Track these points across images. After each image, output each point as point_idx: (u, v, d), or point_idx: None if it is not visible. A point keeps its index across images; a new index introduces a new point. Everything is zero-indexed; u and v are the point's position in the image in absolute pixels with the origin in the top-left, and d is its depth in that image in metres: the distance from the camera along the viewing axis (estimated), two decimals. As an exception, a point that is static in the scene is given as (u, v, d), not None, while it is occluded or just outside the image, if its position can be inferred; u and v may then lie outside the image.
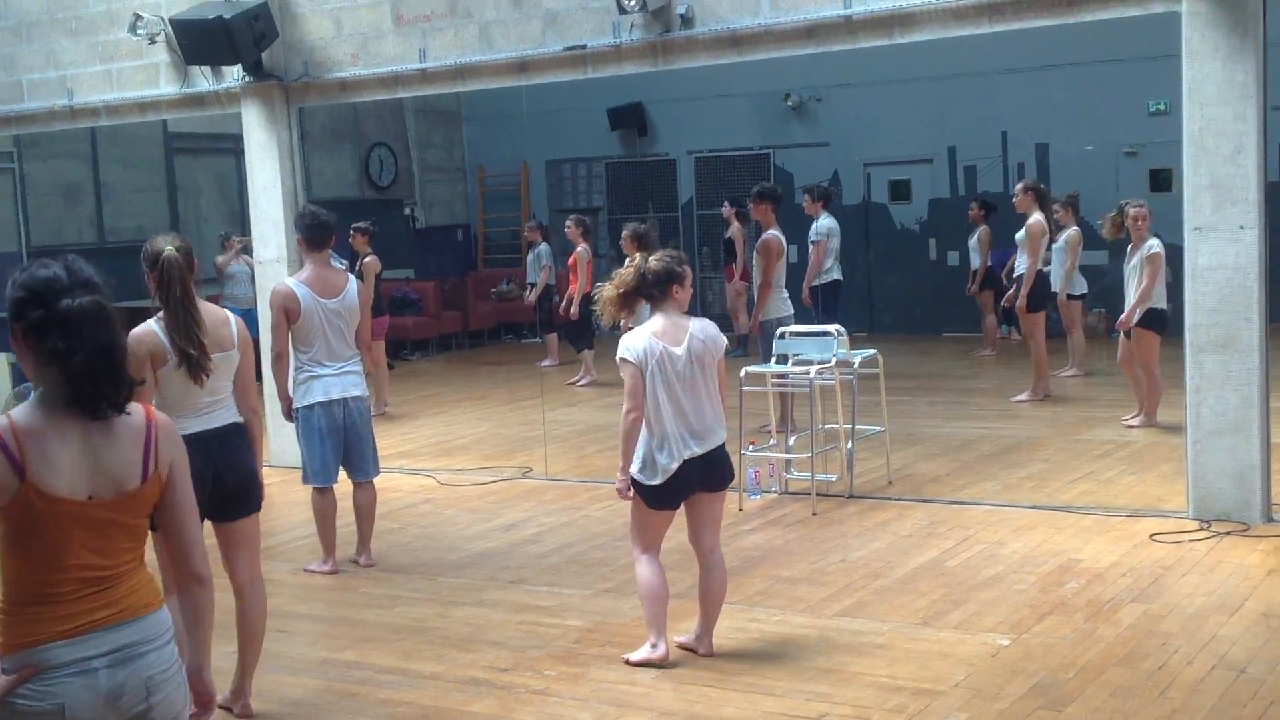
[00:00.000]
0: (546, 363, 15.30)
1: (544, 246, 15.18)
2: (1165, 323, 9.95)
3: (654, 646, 5.57)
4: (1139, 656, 5.42)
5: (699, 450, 5.43)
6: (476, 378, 15.47)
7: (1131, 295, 9.77)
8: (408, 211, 19.59)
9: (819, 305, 11.65)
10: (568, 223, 13.70)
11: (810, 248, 12.02)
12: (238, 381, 5.21)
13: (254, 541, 5.32)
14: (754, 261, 10.31)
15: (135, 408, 3.00)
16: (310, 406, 7.04)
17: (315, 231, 7.05)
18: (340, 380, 7.05)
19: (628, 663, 5.60)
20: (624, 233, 10.29)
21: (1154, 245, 9.77)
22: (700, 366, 5.46)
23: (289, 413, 7.18)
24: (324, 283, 7.03)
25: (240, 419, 5.23)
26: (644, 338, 5.42)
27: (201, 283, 15.93)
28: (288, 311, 6.94)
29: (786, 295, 10.49)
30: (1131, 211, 9.88)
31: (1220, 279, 7.11)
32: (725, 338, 5.67)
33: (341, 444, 7.14)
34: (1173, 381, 8.87)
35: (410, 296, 17.66)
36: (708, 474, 5.48)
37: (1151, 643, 5.57)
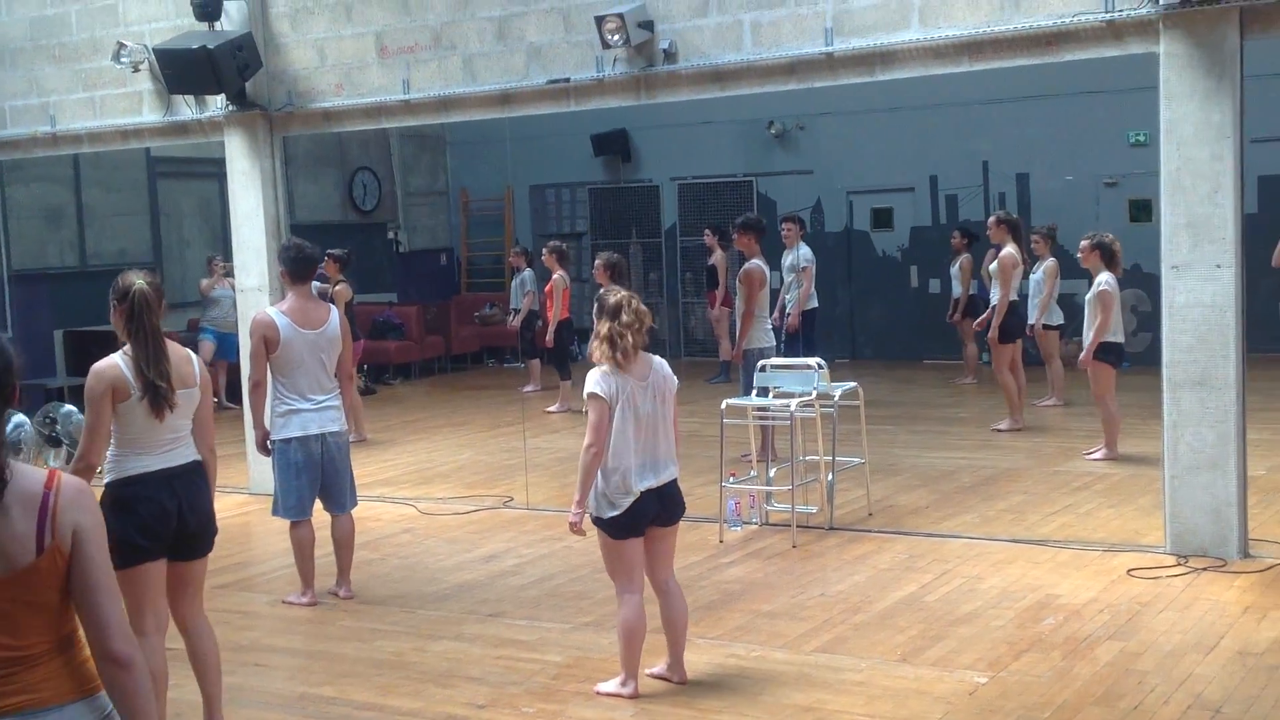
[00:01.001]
0: (529, 388, 15.32)
1: (528, 272, 15.22)
2: (1121, 355, 10.10)
3: (624, 684, 5.62)
4: (1115, 695, 5.44)
5: (654, 483, 5.52)
6: (458, 403, 15.46)
7: (1086, 330, 9.95)
8: (391, 235, 19.61)
9: (798, 333, 11.72)
10: (545, 251, 13.77)
11: (795, 275, 12.12)
12: (197, 419, 5.18)
13: (200, 582, 5.30)
14: (736, 290, 10.37)
15: (34, 472, 2.76)
16: (288, 440, 7.04)
17: (299, 265, 7.07)
18: (319, 415, 7.05)
19: (597, 692, 5.66)
20: (597, 262, 10.37)
21: (1103, 282, 9.89)
22: (661, 402, 5.54)
23: (264, 444, 7.18)
24: (305, 314, 7.04)
25: (199, 458, 5.21)
26: (613, 373, 5.46)
27: (186, 306, 16.06)
28: (267, 341, 6.96)
29: (769, 326, 10.56)
30: (1081, 244, 10.07)
31: (1197, 316, 7.16)
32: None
33: (318, 479, 7.14)
34: (1153, 413, 8.91)
35: (393, 321, 17.65)
36: (662, 507, 5.58)
37: (1128, 681, 5.60)
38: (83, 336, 15.28)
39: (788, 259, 12.91)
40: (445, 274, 20.14)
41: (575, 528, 5.56)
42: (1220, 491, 7.24)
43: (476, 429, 13.22)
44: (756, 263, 10.30)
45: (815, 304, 12.19)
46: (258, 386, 7.08)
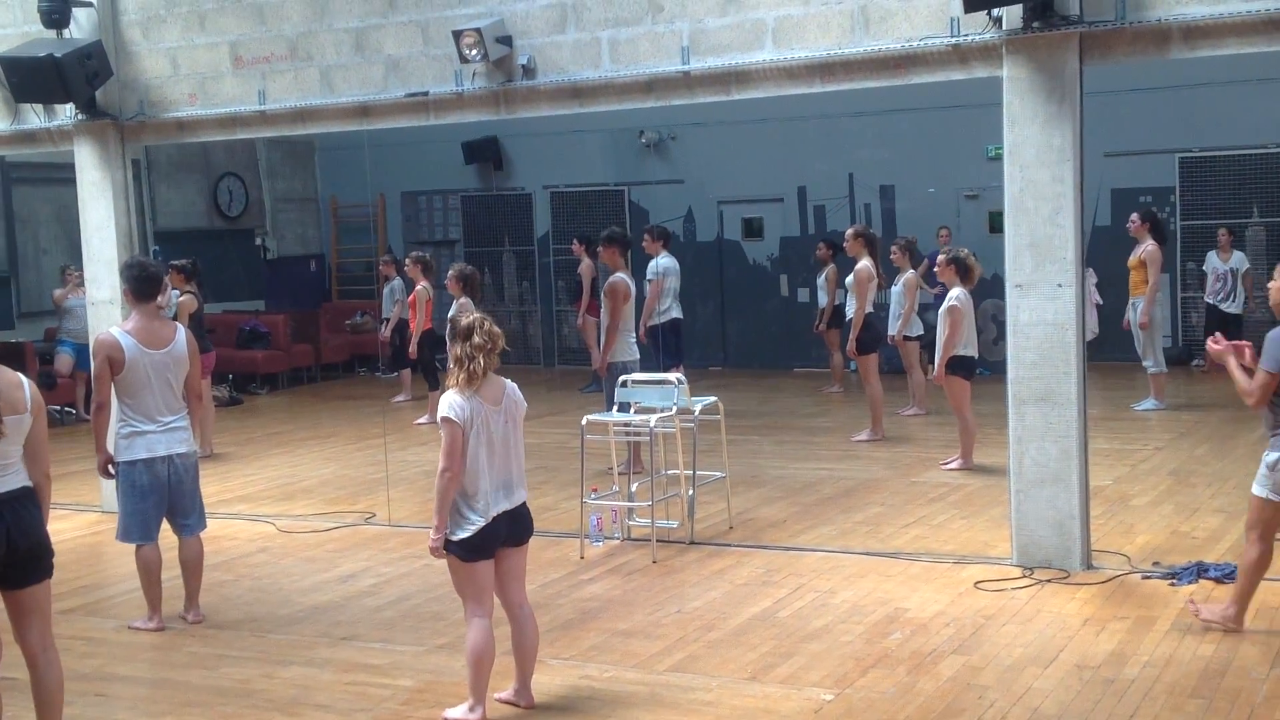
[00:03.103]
0: (400, 398, 15.20)
1: (397, 280, 15.08)
2: (972, 368, 10.40)
3: (472, 709, 5.59)
4: (955, 711, 5.56)
5: (507, 505, 5.52)
6: (326, 414, 15.24)
7: (937, 345, 10.24)
8: (259, 242, 19.28)
9: (659, 343, 11.77)
10: (407, 261, 13.66)
11: (647, 286, 12.17)
12: (29, 446, 5.03)
13: (45, 609, 5.14)
14: (602, 302, 10.40)
15: None
16: (133, 463, 6.87)
17: (142, 284, 6.91)
18: (166, 436, 6.91)
19: (444, 718, 5.62)
20: (450, 273, 10.34)
21: (953, 297, 10.20)
22: (513, 425, 5.56)
23: (105, 467, 7.00)
24: (151, 333, 6.88)
25: (30, 483, 5.06)
26: (466, 397, 5.43)
27: (43, 315, 15.58)
28: (111, 361, 6.80)
29: (633, 339, 10.59)
30: (938, 259, 10.36)
31: (1040, 334, 7.36)
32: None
33: (164, 501, 6.99)
34: (1000, 425, 9.14)
35: (259, 329, 17.34)
36: (513, 528, 5.58)
37: (968, 696, 5.72)
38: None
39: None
40: (315, 281, 19.86)
41: (436, 552, 5.53)
42: (1063, 505, 7.44)
43: (342, 441, 13.05)
44: (621, 276, 10.34)
45: (677, 314, 12.27)
46: (101, 409, 6.91)
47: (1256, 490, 6.17)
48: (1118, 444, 11.00)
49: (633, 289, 10.44)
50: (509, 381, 5.66)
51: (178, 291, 12.37)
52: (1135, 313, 12.64)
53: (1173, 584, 7.17)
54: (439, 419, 5.47)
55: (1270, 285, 6.30)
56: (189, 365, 7.02)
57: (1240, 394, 6.17)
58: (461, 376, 5.42)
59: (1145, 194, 15.56)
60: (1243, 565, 6.32)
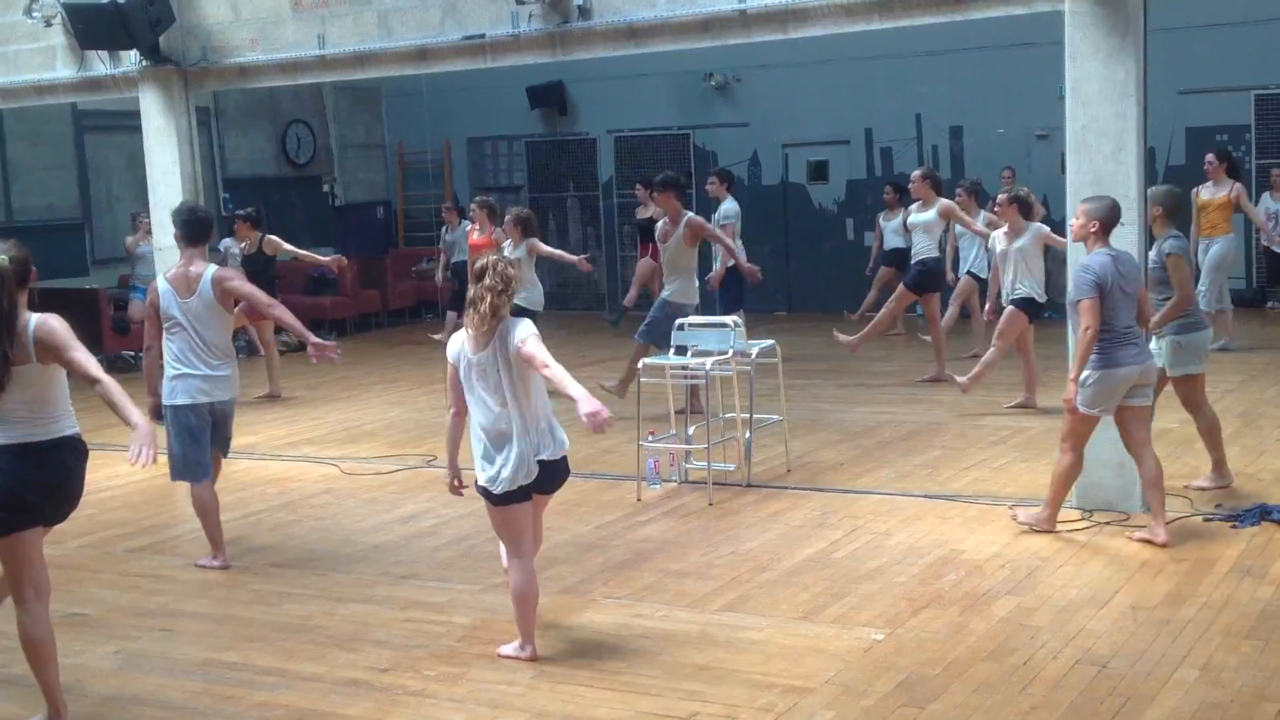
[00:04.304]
0: (439, 336, 15.09)
1: (463, 227, 15.13)
2: (1037, 308, 10.35)
3: (522, 647, 5.68)
4: (1006, 651, 5.54)
5: (546, 456, 5.50)
6: (391, 359, 15.41)
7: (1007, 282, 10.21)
8: (326, 189, 19.44)
9: (723, 289, 11.78)
10: (472, 205, 13.69)
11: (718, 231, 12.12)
12: (75, 369, 4.86)
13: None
14: (676, 243, 10.32)
15: None
16: (180, 406, 7.05)
17: (191, 227, 7.06)
18: (209, 384, 7.08)
19: (499, 655, 5.71)
20: (506, 218, 10.47)
21: (1035, 229, 10.17)
22: (505, 368, 5.41)
23: (156, 409, 7.15)
24: (185, 280, 7.01)
25: (71, 433, 5.01)
26: (469, 337, 5.44)
27: (116, 262, 15.85)
28: (154, 306, 7.03)
29: (696, 284, 10.56)
30: (999, 198, 10.29)
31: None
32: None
33: (209, 441, 7.19)
34: (1059, 365, 9.02)
35: (328, 275, 17.51)
36: (543, 477, 5.54)
37: (1020, 637, 5.70)
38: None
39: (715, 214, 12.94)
40: (382, 227, 20.00)
41: (452, 489, 5.71)
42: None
43: (407, 386, 13.19)
44: (693, 214, 10.45)
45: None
46: (149, 349, 7.14)
47: (1077, 405, 6.84)
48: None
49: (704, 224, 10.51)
50: (517, 322, 5.44)
51: (231, 241, 12.61)
52: (1207, 255, 12.41)
53: (1234, 526, 7.08)
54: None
55: None
56: (224, 312, 7.09)
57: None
58: (468, 315, 5.42)
59: (1220, 132, 15.18)
60: (1056, 473, 7.08)
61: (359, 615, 6.42)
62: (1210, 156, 12.66)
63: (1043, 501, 7.23)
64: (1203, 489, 7.77)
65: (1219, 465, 7.86)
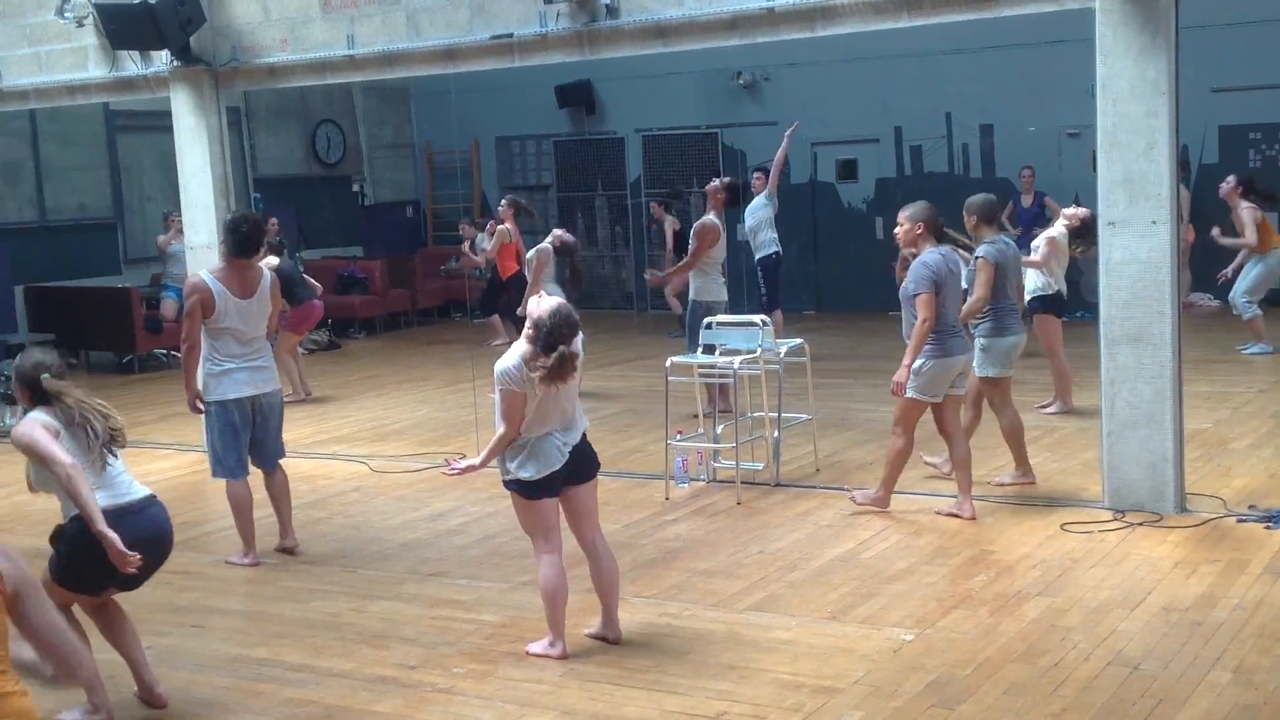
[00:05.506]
0: (497, 342, 14.94)
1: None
2: (1062, 306, 10.23)
3: (552, 644, 5.68)
4: (1037, 652, 5.50)
5: (571, 442, 5.54)
6: (420, 358, 15.44)
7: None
8: (356, 188, 19.51)
9: (762, 279, 12.06)
10: (502, 203, 13.67)
11: (748, 223, 12.60)
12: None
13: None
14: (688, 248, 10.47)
15: None
16: (223, 402, 7.06)
17: (242, 246, 7.10)
18: (252, 375, 7.12)
19: (528, 653, 5.72)
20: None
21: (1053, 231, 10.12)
22: None
23: (194, 404, 7.20)
24: (239, 279, 7.10)
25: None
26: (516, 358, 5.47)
27: (148, 261, 15.95)
28: (203, 305, 7.02)
29: (722, 281, 10.57)
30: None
31: (1133, 273, 7.19)
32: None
33: (248, 439, 7.19)
34: (1097, 368, 8.97)
35: (357, 275, 17.59)
36: (575, 465, 5.57)
37: (1051, 638, 5.66)
38: (44, 292, 15.21)
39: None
40: (411, 227, 20.05)
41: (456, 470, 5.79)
42: (1157, 447, 7.29)
43: (435, 384, 13.22)
44: (710, 217, 10.37)
45: (774, 250, 12.62)
46: (192, 349, 7.16)
47: (908, 391, 7.32)
48: (1219, 386, 10.73)
49: (723, 233, 10.45)
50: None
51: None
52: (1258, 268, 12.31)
53: (1268, 527, 7.01)
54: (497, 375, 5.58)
55: None
56: (270, 307, 7.23)
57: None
58: (553, 370, 5.36)
59: (1254, 130, 15.05)
60: (889, 456, 7.59)
61: (387, 612, 6.44)
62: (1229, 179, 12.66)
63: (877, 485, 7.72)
64: (1003, 484, 8.09)
65: (1021, 463, 8.14)
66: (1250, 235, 12.22)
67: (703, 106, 17.87)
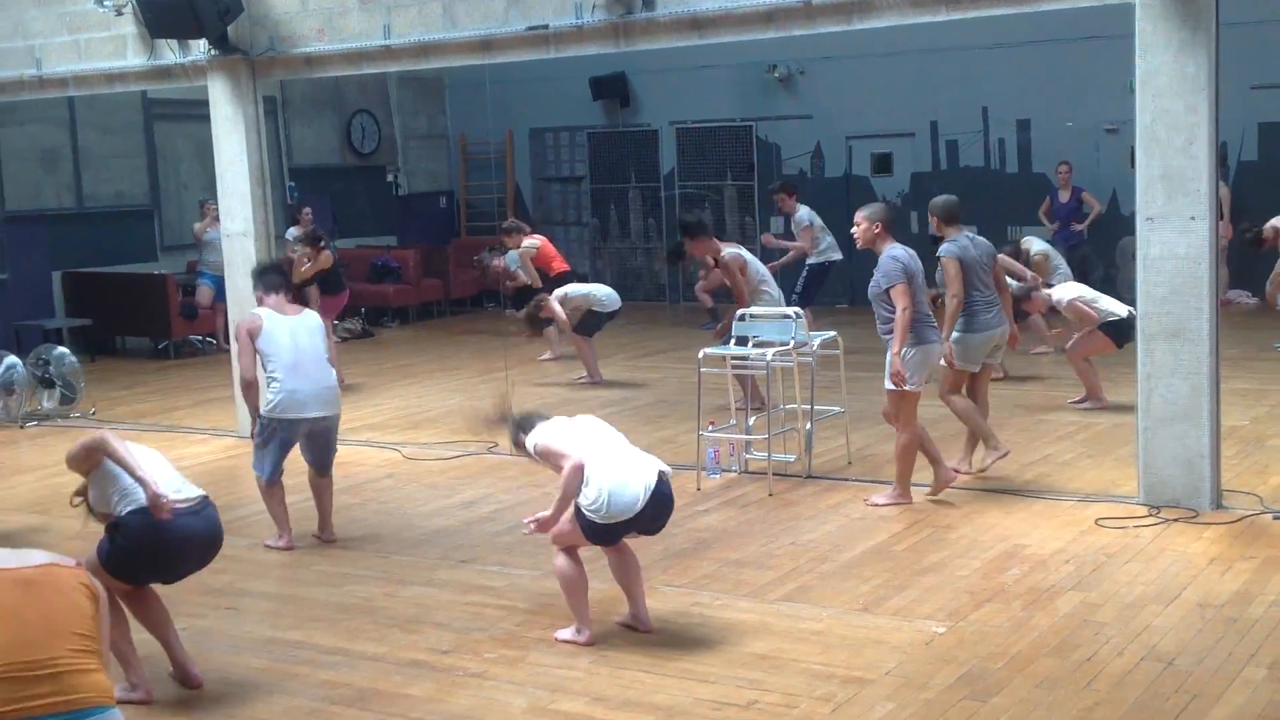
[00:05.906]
0: (546, 356, 13.79)
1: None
2: (1123, 333, 9.84)
3: (578, 631, 5.72)
4: (1070, 646, 5.49)
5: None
6: (453, 347, 15.49)
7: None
8: (390, 178, 19.58)
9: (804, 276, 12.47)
10: (502, 235, 13.65)
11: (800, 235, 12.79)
12: None
13: None
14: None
15: None
16: (282, 420, 7.21)
17: (270, 286, 7.36)
18: (315, 399, 7.24)
19: (557, 639, 5.75)
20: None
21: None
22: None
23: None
24: (282, 305, 7.35)
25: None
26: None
27: (184, 249, 16.07)
28: (251, 330, 7.16)
29: (773, 292, 10.42)
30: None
31: (1171, 269, 7.14)
32: None
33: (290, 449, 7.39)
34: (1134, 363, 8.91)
35: (391, 264, 17.67)
36: (655, 511, 5.64)
37: (1085, 632, 5.64)
38: (81, 278, 15.35)
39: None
40: (445, 217, 20.12)
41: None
42: (1193, 443, 7.24)
43: (468, 374, 13.26)
44: (734, 251, 10.27)
45: (834, 256, 12.90)
46: (250, 385, 7.19)
47: (887, 385, 7.52)
48: (1258, 384, 10.63)
49: (746, 259, 10.32)
50: None
51: (296, 229, 12.79)
52: None
53: (1305, 526, 6.96)
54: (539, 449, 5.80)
55: None
56: (324, 332, 7.48)
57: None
58: None
59: (1295, 127, 14.91)
60: (897, 454, 7.66)
61: (420, 597, 6.47)
62: None
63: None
64: (984, 470, 8.19)
65: (988, 439, 8.17)
66: None
67: (737, 99, 17.83)
